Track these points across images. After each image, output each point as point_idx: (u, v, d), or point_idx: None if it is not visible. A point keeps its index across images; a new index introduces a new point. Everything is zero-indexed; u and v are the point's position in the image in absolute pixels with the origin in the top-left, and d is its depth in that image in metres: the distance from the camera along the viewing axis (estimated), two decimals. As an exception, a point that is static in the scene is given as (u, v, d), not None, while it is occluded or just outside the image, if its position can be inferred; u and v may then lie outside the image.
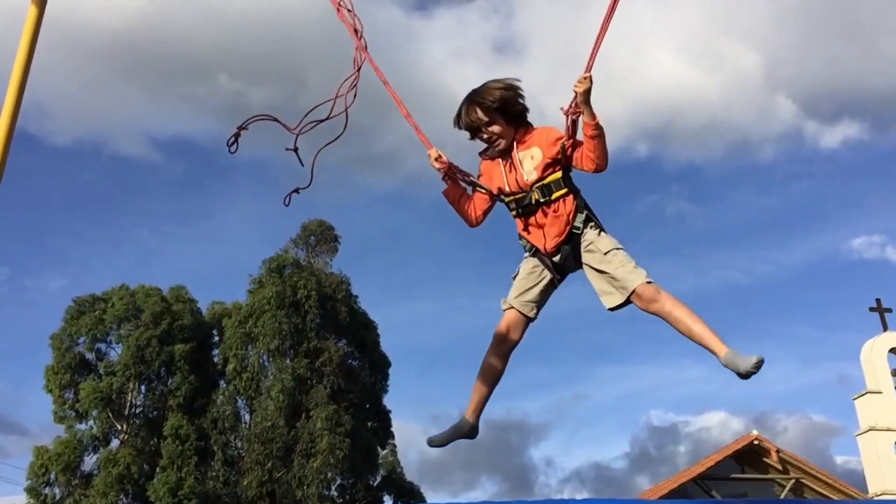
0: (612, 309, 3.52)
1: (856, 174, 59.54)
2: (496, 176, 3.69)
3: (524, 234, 3.68)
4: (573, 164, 3.58)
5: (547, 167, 3.57)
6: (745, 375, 3.15)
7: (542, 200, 3.57)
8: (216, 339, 27.78)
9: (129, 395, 25.95)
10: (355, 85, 3.81)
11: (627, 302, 3.47)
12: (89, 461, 25.21)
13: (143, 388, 26.50)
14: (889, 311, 20.08)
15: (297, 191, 3.93)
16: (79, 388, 25.49)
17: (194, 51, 49.48)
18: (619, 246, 3.54)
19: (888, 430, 18.74)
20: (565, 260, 3.61)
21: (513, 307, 3.64)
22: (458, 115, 3.68)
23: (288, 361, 25.50)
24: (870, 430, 18.86)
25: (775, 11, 55.31)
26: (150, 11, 45.07)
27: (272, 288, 25.92)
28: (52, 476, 24.61)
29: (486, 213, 3.79)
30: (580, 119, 3.45)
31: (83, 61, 48.38)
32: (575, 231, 3.57)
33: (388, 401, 28.02)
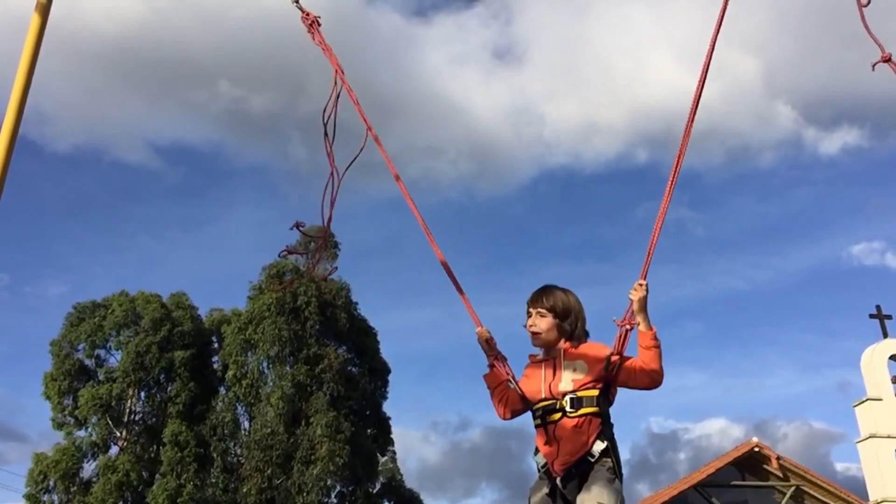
0: None
1: (855, 181, 59.74)
2: (534, 379, 3.55)
3: (540, 448, 3.48)
4: (621, 381, 3.40)
5: (587, 384, 3.40)
6: None
7: (568, 411, 3.38)
8: (216, 345, 27.73)
9: (129, 401, 25.89)
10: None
11: None
12: (88, 468, 25.15)
13: (142, 394, 26.45)
14: (889, 317, 20.09)
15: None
16: (78, 394, 25.43)
17: (194, 57, 49.63)
18: None
19: (889, 437, 18.72)
20: (568, 485, 3.34)
21: None
22: (538, 292, 3.65)
23: (288, 368, 25.45)
24: (870, 437, 18.84)
25: (775, 19, 55.44)
26: (151, 18, 45.21)
27: (272, 294, 25.90)
28: (52, 483, 24.52)
29: (515, 413, 3.61)
30: (634, 331, 3.33)
31: (84, 67, 48.53)
32: (589, 459, 3.32)
33: (387, 407, 27.99)
